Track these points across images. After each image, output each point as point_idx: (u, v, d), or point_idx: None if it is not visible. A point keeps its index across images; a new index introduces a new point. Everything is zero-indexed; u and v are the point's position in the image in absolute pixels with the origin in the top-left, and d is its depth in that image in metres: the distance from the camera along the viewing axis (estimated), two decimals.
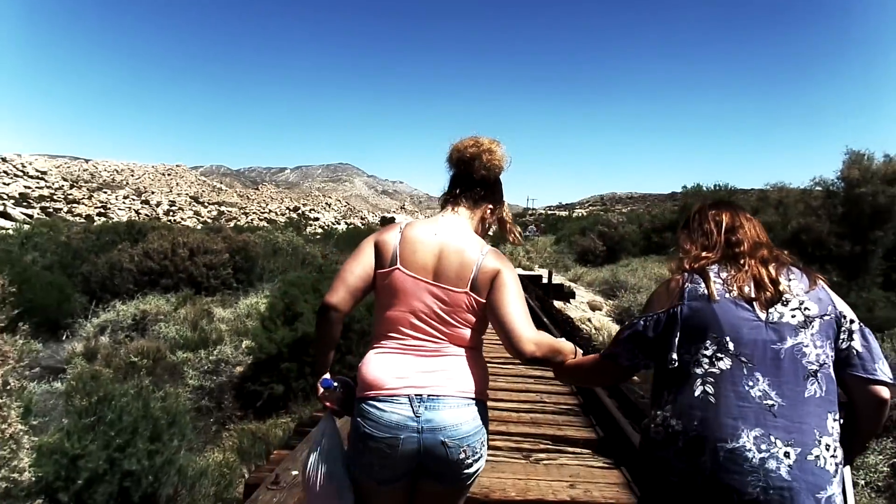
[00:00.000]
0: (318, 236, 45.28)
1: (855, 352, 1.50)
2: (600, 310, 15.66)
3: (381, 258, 1.77)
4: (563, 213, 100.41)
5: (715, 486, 1.43)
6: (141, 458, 3.67)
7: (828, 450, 1.43)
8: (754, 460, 1.40)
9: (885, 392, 1.49)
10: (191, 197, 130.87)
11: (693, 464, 1.47)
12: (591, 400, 5.30)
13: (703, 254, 1.63)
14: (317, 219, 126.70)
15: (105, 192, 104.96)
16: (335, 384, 1.85)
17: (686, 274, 1.59)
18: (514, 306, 1.69)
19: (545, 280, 16.92)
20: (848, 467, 1.60)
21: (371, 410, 1.68)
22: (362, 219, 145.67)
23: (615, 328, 13.74)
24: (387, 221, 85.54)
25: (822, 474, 1.41)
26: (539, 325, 4.06)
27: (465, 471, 1.72)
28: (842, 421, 1.52)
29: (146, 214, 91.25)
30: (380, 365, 1.72)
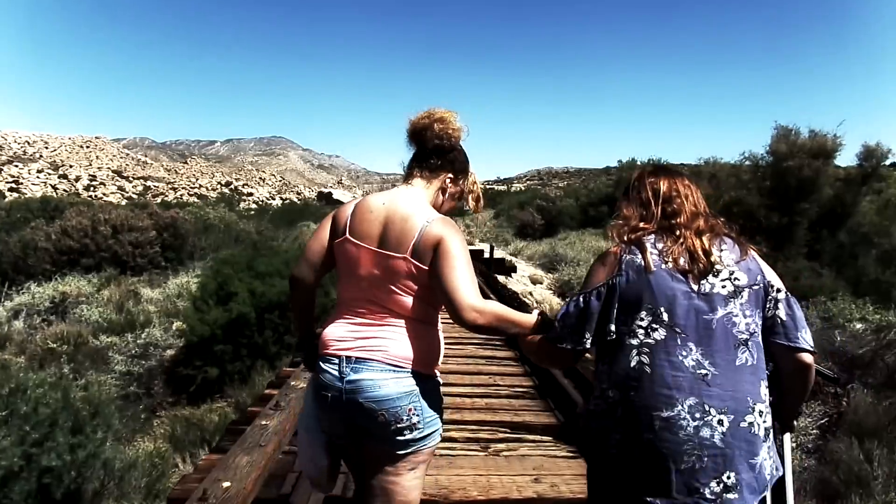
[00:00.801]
0: (253, 212, 44.18)
1: (779, 320, 1.54)
2: (541, 283, 15.87)
3: (335, 230, 1.85)
4: (502, 188, 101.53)
5: (652, 454, 1.46)
6: (61, 453, 3.46)
7: (760, 416, 1.49)
8: (689, 428, 1.44)
9: (808, 358, 1.54)
10: (113, 171, 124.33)
11: (630, 434, 1.50)
12: (546, 382, 5.17)
13: (641, 224, 1.64)
14: (250, 194, 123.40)
15: (16, 166, 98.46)
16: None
17: (623, 245, 1.61)
18: (458, 272, 1.65)
19: (487, 255, 16.94)
20: (788, 434, 1.70)
21: (316, 371, 1.81)
22: (298, 194, 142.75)
23: (557, 301, 13.93)
24: (324, 196, 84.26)
25: (755, 440, 1.47)
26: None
27: (398, 437, 1.70)
28: (772, 394, 1.56)
29: (64, 190, 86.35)
30: (329, 330, 1.81)
